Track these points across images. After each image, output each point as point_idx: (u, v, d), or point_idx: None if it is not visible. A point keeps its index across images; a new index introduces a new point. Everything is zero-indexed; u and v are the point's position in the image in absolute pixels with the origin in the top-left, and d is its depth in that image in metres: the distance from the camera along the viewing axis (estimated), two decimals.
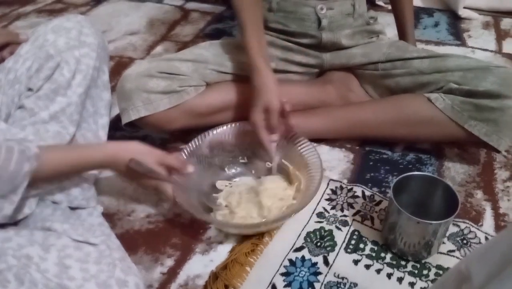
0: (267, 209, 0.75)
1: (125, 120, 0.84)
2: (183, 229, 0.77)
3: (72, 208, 0.73)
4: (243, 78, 0.90)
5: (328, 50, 0.96)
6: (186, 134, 0.91)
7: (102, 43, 0.83)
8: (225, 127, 0.85)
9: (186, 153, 0.81)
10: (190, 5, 1.60)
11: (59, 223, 0.65)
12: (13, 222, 0.66)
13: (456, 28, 1.45)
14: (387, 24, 1.36)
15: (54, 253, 0.58)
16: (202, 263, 0.71)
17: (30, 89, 0.76)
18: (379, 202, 0.80)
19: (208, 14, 1.54)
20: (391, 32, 1.28)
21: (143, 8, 1.59)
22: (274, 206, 0.76)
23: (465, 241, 0.73)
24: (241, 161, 0.87)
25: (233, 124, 0.86)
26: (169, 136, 0.95)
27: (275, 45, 0.95)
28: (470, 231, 0.75)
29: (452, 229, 0.75)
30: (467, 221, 0.76)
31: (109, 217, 0.78)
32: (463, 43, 1.36)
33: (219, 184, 0.84)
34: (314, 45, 0.95)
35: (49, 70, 0.76)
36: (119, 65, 1.25)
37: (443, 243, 0.72)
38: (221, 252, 0.73)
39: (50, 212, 0.70)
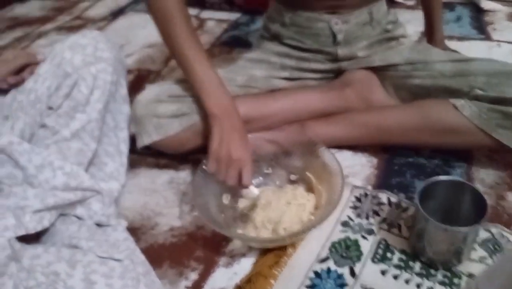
0: (288, 219, 0.74)
1: (139, 144, 0.86)
2: (205, 242, 0.77)
3: (97, 224, 0.74)
4: (254, 91, 0.89)
5: (345, 60, 0.94)
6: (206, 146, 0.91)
7: (118, 57, 0.84)
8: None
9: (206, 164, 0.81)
10: (205, 14, 1.60)
11: (85, 240, 0.66)
12: (35, 236, 0.68)
13: (480, 21, 1.40)
14: (406, 21, 1.33)
15: (80, 269, 0.60)
16: (226, 276, 0.71)
17: (50, 108, 0.78)
18: (406, 209, 0.78)
19: (223, 22, 1.54)
20: (411, 29, 1.25)
21: None
22: (295, 217, 0.75)
23: (497, 247, 0.70)
24: (265, 171, 0.86)
25: (256, 135, 0.85)
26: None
27: (290, 56, 0.94)
28: (503, 236, 0.72)
29: (484, 235, 0.72)
30: (499, 226, 0.73)
31: (134, 231, 0.79)
32: (487, 37, 1.32)
33: (244, 192, 0.83)
34: (330, 59, 0.93)
35: (68, 88, 0.77)
36: (138, 78, 1.26)
37: (474, 249, 0.69)
38: (245, 265, 0.72)
39: (76, 229, 0.71)
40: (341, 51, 0.91)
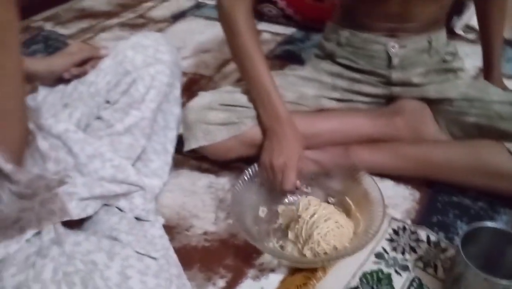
0: (325, 243, 0.73)
1: (186, 147, 0.88)
2: (237, 251, 0.78)
3: (136, 218, 0.76)
4: (304, 109, 0.90)
5: (398, 86, 0.92)
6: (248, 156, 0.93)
7: (176, 60, 0.87)
8: None
9: (248, 174, 0.82)
10: (262, 26, 1.62)
11: (125, 233, 0.68)
12: (78, 223, 0.71)
13: None
14: (465, 54, 1.30)
15: (118, 262, 0.61)
16: None
17: (108, 102, 0.81)
18: (445, 249, 0.75)
19: (278, 36, 1.56)
20: (470, 63, 1.21)
21: (218, 26, 1.63)
22: (333, 241, 0.74)
23: None
24: (305, 190, 0.86)
25: None
26: None
27: (342, 76, 0.93)
28: None
29: None
30: None
31: (169, 229, 0.80)
32: None
33: (280, 208, 0.84)
34: (383, 82, 0.92)
35: (126, 85, 0.81)
36: (191, 82, 1.29)
37: None
38: (273, 280, 0.72)
39: (117, 220, 0.73)
40: (395, 75, 0.90)
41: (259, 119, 0.86)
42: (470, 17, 1.50)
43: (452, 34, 1.50)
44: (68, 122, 0.77)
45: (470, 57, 1.26)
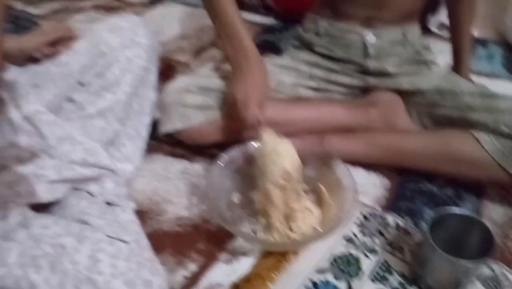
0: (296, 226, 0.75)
1: (161, 130, 0.88)
2: (209, 236, 0.78)
3: (107, 203, 0.76)
4: (280, 96, 0.90)
5: (374, 76, 0.94)
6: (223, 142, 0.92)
7: (154, 44, 0.86)
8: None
9: (223, 160, 0.82)
10: (242, 15, 1.62)
11: (95, 217, 0.67)
12: (46, 206, 0.69)
13: (511, 62, 1.39)
14: (439, 51, 1.33)
15: (88, 246, 0.60)
16: (225, 272, 0.72)
17: (81, 84, 0.80)
18: (412, 234, 0.78)
19: (258, 25, 1.56)
20: (443, 59, 1.24)
21: (196, 13, 1.63)
22: (304, 225, 0.75)
23: (497, 285, 0.70)
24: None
25: None
26: None
27: (319, 66, 0.95)
28: (504, 275, 0.71)
29: (485, 271, 0.71)
30: (503, 265, 0.73)
31: (141, 214, 0.79)
32: None
33: (254, 194, 0.84)
34: (359, 71, 0.94)
35: (101, 67, 0.79)
36: (167, 68, 1.28)
37: (474, 284, 0.69)
38: (244, 264, 0.73)
39: (86, 205, 0.72)
40: (371, 64, 0.92)
41: (228, 60, 0.84)
42: (444, 15, 1.54)
43: (426, 31, 1.53)
44: (38, 104, 0.75)
45: (444, 54, 1.28)
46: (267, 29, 1.54)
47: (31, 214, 0.64)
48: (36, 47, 0.80)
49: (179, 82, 0.88)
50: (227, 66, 0.92)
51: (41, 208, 0.68)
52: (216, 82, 0.88)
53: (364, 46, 0.91)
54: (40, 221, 0.62)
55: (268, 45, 1.41)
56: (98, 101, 0.79)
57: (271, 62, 0.95)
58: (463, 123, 0.86)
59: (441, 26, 1.52)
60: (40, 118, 0.73)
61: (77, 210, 0.70)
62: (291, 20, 1.55)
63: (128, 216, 0.74)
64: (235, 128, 0.87)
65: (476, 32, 1.53)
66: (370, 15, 0.89)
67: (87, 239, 0.61)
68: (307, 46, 0.97)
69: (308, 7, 1.00)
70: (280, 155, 0.71)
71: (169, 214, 0.82)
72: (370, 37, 0.90)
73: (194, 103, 0.85)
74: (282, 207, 0.73)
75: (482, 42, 1.50)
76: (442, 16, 1.50)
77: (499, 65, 1.37)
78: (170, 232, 0.79)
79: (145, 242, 0.69)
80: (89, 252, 0.59)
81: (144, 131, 0.87)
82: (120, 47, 0.80)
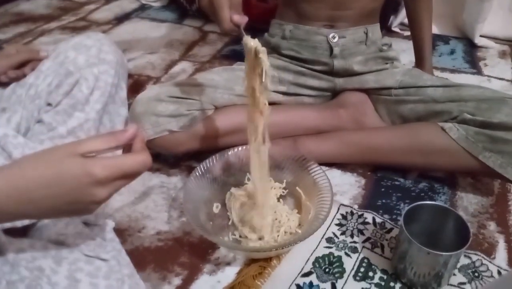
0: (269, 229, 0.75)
1: None
2: (192, 248, 0.78)
3: (85, 223, 0.74)
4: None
5: (341, 76, 0.97)
6: (199, 153, 0.92)
7: (121, 60, 0.86)
8: (238, 149, 0.86)
9: (200, 171, 0.82)
10: (209, 27, 1.63)
11: (72, 237, 0.66)
12: (22, 231, 0.67)
13: (472, 56, 1.45)
14: (402, 50, 1.38)
15: (65, 266, 0.59)
16: (209, 284, 0.71)
17: (49, 104, 0.78)
18: (390, 230, 0.79)
19: (225, 36, 1.57)
20: (406, 58, 1.28)
21: (163, 28, 1.63)
22: (281, 229, 0.76)
23: (476, 274, 0.72)
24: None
25: (246, 147, 0.86)
26: (182, 155, 0.96)
27: (288, 70, 0.97)
28: (482, 264, 0.73)
29: (464, 261, 0.74)
30: (479, 253, 0.75)
31: (120, 232, 0.79)
32: (479, 72, 1.36)
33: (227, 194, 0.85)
34: (326, 71, 0.96)
35: (68, 86, 0.78)
36: (137, 83, 1.27)
37: (454, 274, 0.71)
38: (229, 274, 0.73)
39: (63, 226, 0.70)
40: (337, 63, 0.94)
41: None
42: (406, 15, 1.59)
43: (389, 31, 1.58)
44: (7, 127, 0.73)
45: (406, 53, 1.33)
46: (234, 39, 1.56)
47: (4, 238, 0.62)
48: (1, 70, 0.79)
49: (149, 92, 0.88)
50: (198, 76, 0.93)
51: (16, 233, 0.66)
52: (187, 90, 0.88)
53: (330, 47, 0.93)
54: (15, 245, 0.60)
55: (237, 55, 1.43)
56: (68, 120, 0.77)
57: (241, 68, 0.97)
58: (430, 116, 0.88)
59: (403, 26, 1.57)
60: (10, 142, 0.72)
61: (53, 232, 0.69)
62: (257, 29, 1.56)
63: (107, 234, 0.73)
64: (209, 135, 0.87)
65: (437, 30, 1.59)
66: (332, 15, 0.92)
67: (64, 260, 0.60)
68: (275, 50, 0.99)
69: (273, 15, 1.02)
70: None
71: (149, 229, 0.82)
72: (334, 37, 0.93)
73: (165, 111, 0.85)
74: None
75: (444, 39, 1.56)
76: (403, 16, 1.55)
77: (461, 60, 1.43)
78: (152, 247, 0.78)
79: (125, 259, 0.68)
80: (67, 272, 0.58)
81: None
82: (86, 65, 0.79)
